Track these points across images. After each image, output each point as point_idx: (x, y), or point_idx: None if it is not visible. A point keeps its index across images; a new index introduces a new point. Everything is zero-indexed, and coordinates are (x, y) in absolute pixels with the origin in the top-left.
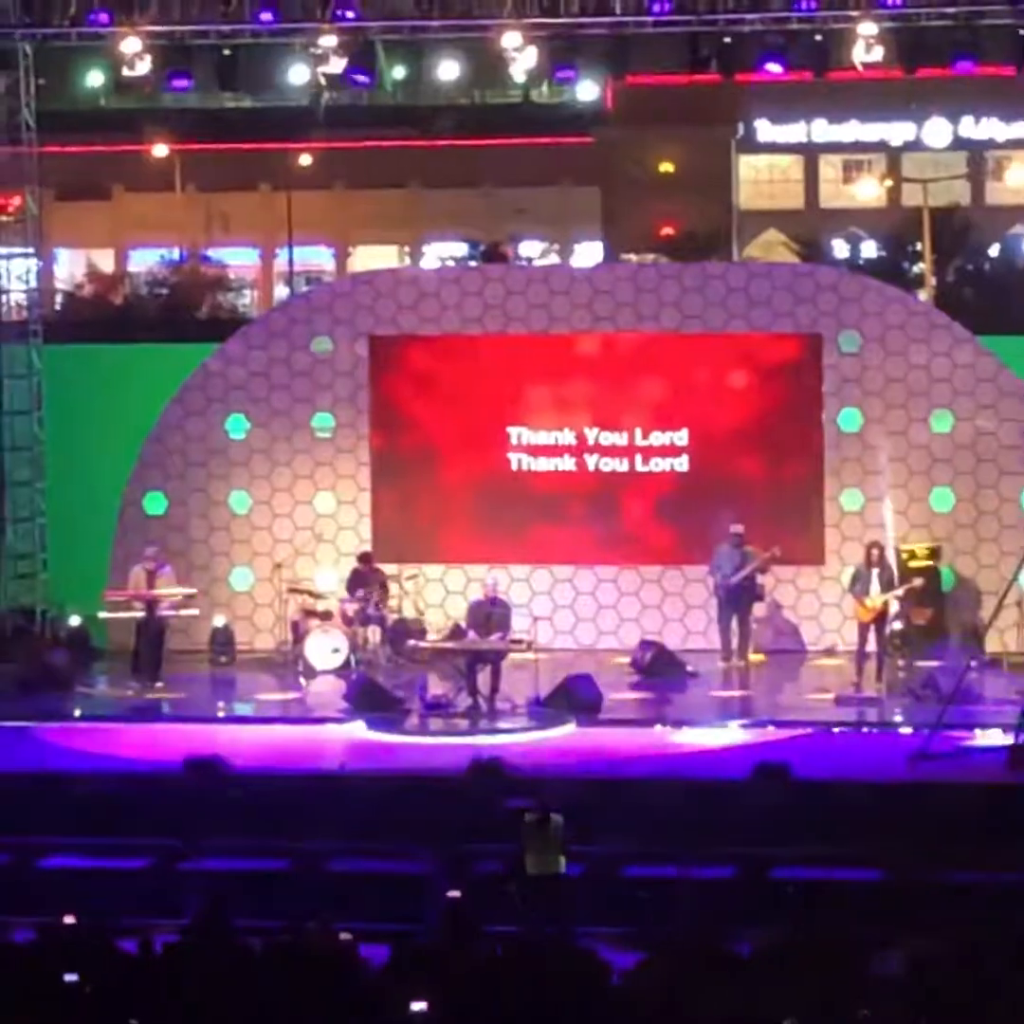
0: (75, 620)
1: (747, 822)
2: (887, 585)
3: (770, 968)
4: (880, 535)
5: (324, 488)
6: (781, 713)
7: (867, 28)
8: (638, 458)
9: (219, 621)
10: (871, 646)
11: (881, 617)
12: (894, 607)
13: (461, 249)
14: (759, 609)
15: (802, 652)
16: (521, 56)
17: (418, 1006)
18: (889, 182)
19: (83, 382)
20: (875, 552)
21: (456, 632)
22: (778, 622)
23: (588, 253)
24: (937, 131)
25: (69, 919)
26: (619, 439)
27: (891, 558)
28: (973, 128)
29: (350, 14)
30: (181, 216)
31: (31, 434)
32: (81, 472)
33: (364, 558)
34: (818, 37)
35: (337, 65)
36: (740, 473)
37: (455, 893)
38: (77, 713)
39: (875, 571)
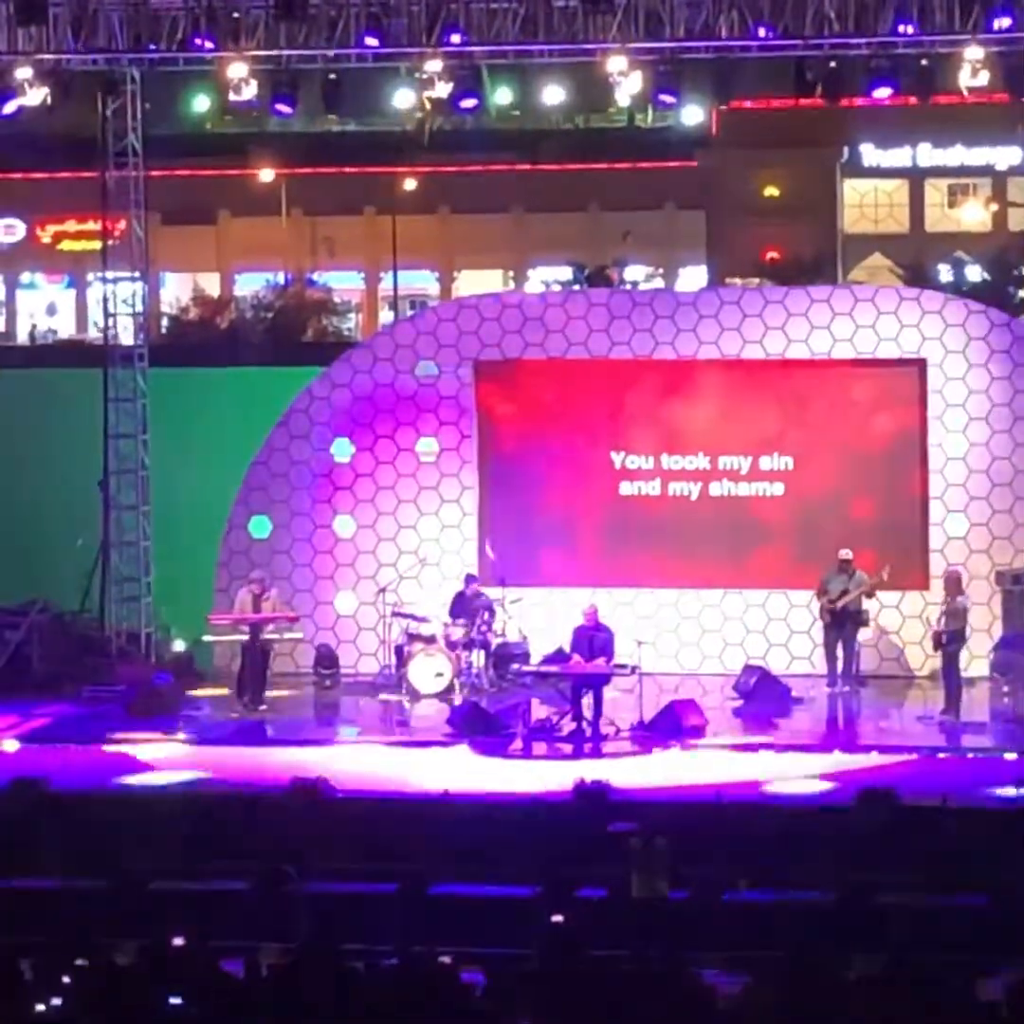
0: (180, 643)
1: (851, 848)
2: (957, 619)
3: (874, 994)
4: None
5: (428, 512)
6: (886, 738)
7: (973, 52)
8: (742, 483)
9: (323, 644)
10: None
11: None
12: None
13: (566, 273)
14: (864, 634)
15: (907, 677)
16: (626, 80)
17: None
18: (994, 206)
19: (188, 406)
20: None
21: (559, 656)
22: (883, 647)
23: (693, 277)
24: None
25: (178, 941)
26: (724, 463)
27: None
28: None
29: (456, 39)
30: (286, 240)
31: (136, 458)
32: (186, 496)
33: (469, 581)
34: (924, 61)
35: (442, 89)
36: (845, 497)
37: (559, 917)
38: (181, 736)
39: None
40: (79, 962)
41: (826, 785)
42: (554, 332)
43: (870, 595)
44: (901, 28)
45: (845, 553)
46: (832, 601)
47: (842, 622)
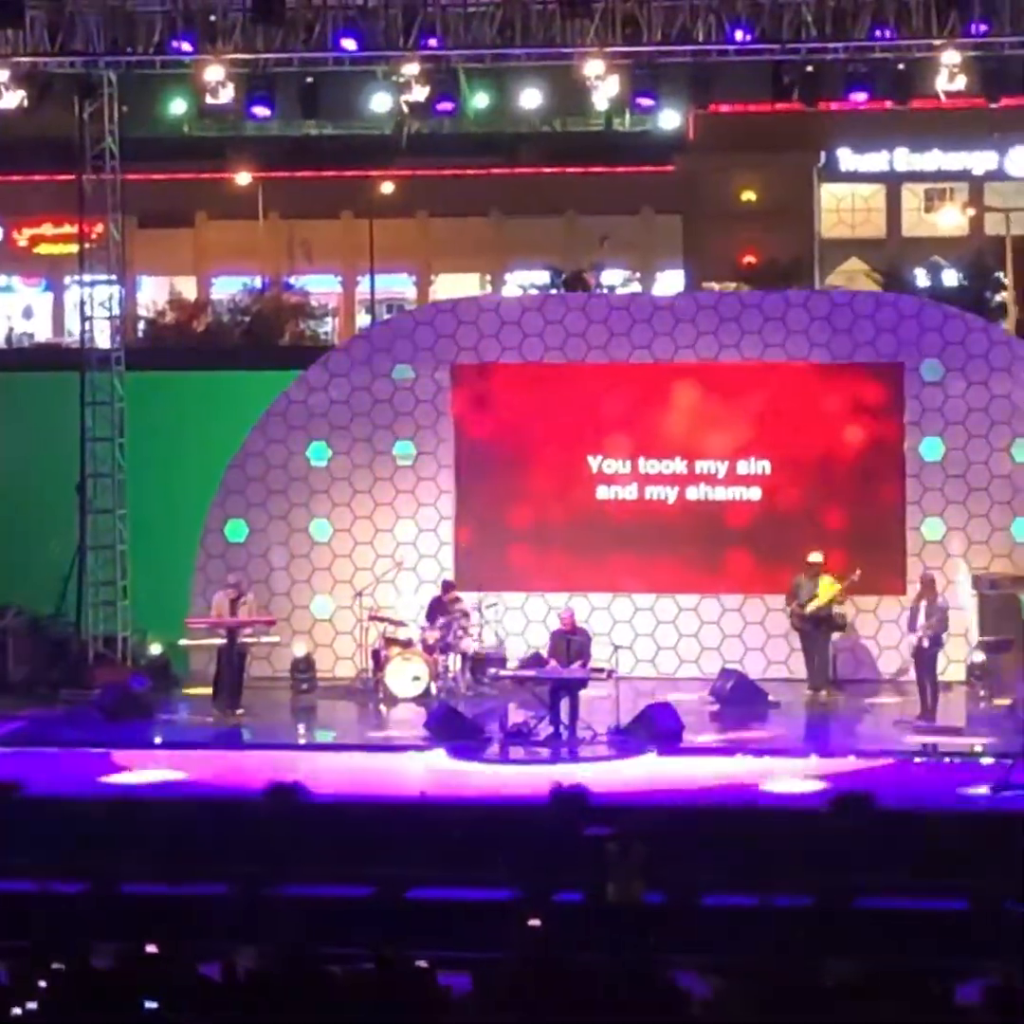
0: (156, 647)
1: (827, 851)
2: (938, 623)
3: (852, 998)
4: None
5: (405, 516)
6: (862, 743)
7: (950, 57)
8: (719, 487)
9: (300, 649)
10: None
11: (920, 652)
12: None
13: (543, 277)
14: (839, 639)
15: (883, 682)
16: (603, 84)
17: None
18: (972, 211)
19: (165, 409)
20: (923, 586)
21: (536, 660)
22: (859, 652)
23: (670, 281)
24: (1020, 160)
25: (151, 948)
26: (701, 468)
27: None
28: None
29: (433, 42)
30: (263, 243)
31: (113, 461)
32: (163, 499)
33: (446, 587)
34: (901, 66)
35: (420, 93)
36: (822, 502)
37: (536, 921)
38: (158, 740)
39: (923, 603)
40: (55, 966)
41: (820, 785)
42: (531, 336)
43: (841, 601)
44: (878, 32)
45: (815, 557)
46: (802, 606)
47: (816, 626)
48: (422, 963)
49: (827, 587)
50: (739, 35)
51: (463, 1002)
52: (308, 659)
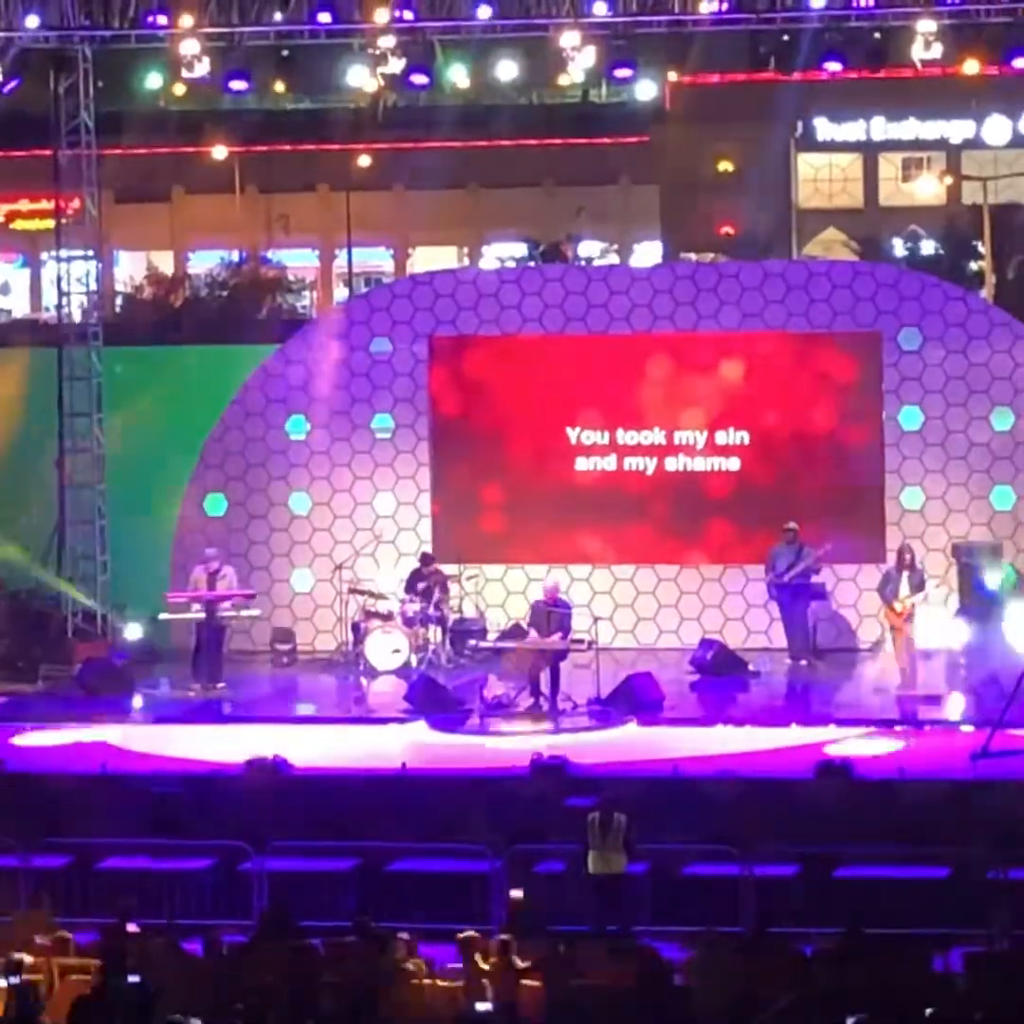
0: (136, 622)
1: (809, 820)
2: (917, 588)
3: (833, 966)
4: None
5: (384, 489)
6: (842, 711)
7: (926, 25)
8: (698, 458)
9: (280, 622)
10: (888, 647)
11: (908, 619)
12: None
13: (520, 250)
14: (819, 607)
15: (863, 650)
16: (579, 55)
17: (482, 1006)
18: (949, 180)
19: (143, 384)
20: (907, 556)
21: (517, 632)
22: (839, 621)
23: (647, 253)
24: (997, 128)
25: (132, 928)
26: (679, 438)
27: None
28: None
29: (408, 14)
30: (240, 218)
31: (91, 436)
32: (141, 474)
33: (425, 559)
34: (877, 35)
35: (396, 66)
36: (801, 471)
37: (517, 892)
38: (138, 714)
39: (905, 574)
40: (39, 940)
41: (784, 759)
42: (509, 308)
43: (817, 569)
44: (853, 1)
45: (791, 525)
46: (780, 575)
47: (796, 595)
48: (404, 935)
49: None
50: (715, 4)
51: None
52: (288, 633)
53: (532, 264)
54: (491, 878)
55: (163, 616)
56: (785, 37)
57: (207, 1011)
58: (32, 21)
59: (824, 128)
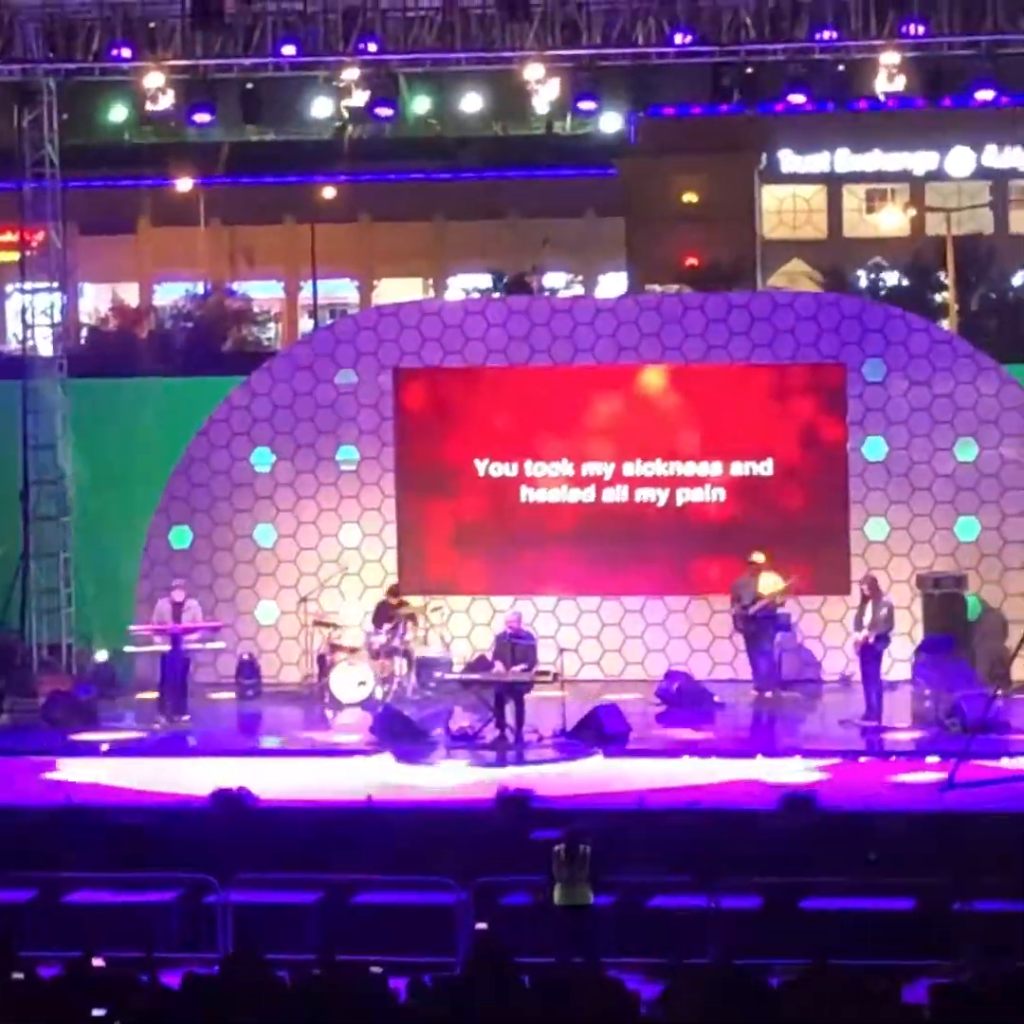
0: (101, 654)
1: (775, 852)
2: (885, 620)
3: (799, 998)
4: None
5: (349, 521)
6: (808, 743)
7: (889, 58)
8: (664, 489)
9: (245, 654)
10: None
11: (866, 650)
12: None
13: (485, 281)
14: (784, 639)
15: (828, 682)
16: (544, 88)
17: None
18: (912, 211)
19: (108, 416)
20: (865, 588)
21: (482, 664)
22: (804, 653)
23: (612, 284)
24: (960, 160)
25: (98, 962)
26: (645, 470)
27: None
28: (996, 157)
29: (372, 47)
30: (206, 250)
31: (56, 468)
32: (106, 506)
33: (393, 591)
34: (841, 67)
35: (360, 98)
36: (764, 503)
37: (483, 925)
38: (103, 747)
39: (870, 604)
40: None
41: (749, 791)
42: (474, 340)
43: (780, 602)
44: (817, 34)
45: (756, 557)
46: (745, 607)
47: (760, 627)
48: (376, 969)
49: (770, 585)
50: (679, 38)
51: (409, 1005)
52: (253, 665)
53: (497, 296)
54: (456, 911)
55: (128, 649)
56: (749, 69)
57: None
58: None
59: (788, 160)
